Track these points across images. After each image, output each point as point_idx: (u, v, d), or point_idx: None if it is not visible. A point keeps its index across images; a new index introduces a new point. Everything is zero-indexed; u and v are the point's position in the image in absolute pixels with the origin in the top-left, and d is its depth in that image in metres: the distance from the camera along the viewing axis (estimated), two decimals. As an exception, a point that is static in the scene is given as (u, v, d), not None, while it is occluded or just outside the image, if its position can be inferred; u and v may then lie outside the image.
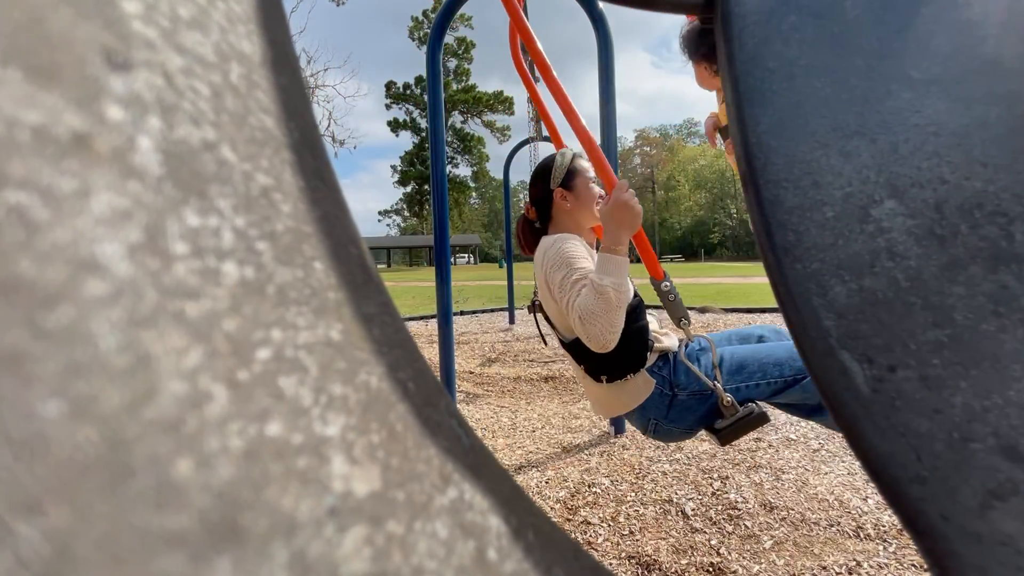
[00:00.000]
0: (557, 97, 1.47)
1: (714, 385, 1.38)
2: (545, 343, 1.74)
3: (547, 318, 1.59)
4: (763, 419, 1.39)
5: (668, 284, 1.43)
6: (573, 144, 1.76)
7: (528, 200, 1.68)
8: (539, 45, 1.52)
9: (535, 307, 1.84)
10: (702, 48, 1.65)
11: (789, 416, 3.05)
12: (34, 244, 0.12)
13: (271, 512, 0.13)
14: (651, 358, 1.45)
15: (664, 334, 1.54)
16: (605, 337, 1.25)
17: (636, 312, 1.45)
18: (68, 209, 0.12)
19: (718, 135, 1.90)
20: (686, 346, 1.48)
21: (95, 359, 0.12)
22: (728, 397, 1.37)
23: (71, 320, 0.12)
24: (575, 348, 1.47)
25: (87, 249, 0.12)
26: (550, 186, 1.59)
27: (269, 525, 0.13)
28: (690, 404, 1.44)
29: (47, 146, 0.12)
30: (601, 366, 1.44)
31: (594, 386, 1.51)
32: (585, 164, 1.62)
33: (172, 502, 0.12)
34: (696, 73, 1.74)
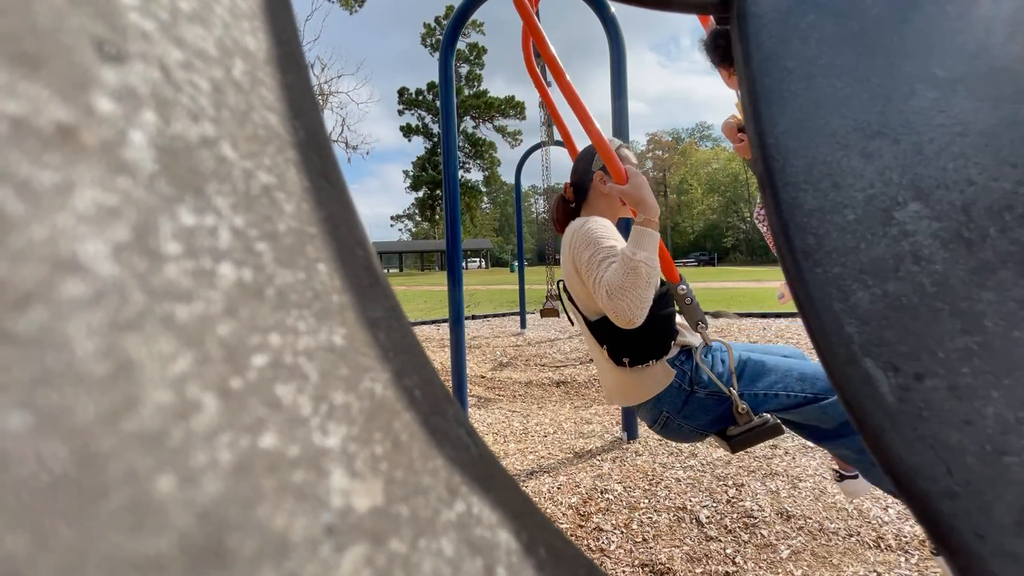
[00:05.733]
0: (571, 101, 1.47)
1: (729, 391, 1.36)
2: (572, 323, 1.74)
3: (571, 299, 1.58)
4: (777, 430, 1.37)
5: (685, 287, 1.43)
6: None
7: (568, 181, 1.68)
8: (552, 49, 1.52)
9: (554, 296, 1.83)
10: (719, 51, 1.65)
11: (805, 423, 3.02)
12: (6, 241, 0.11)
13: (261, 532, 0.12)
14: (674, 349, 1.44)
15: (688, 329, 1.52)
16: (632, 312, 1.23)
17: (664, 299, 1.43)
18: (47, 205, 0.12)
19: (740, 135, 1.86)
20: (703, 348, 1.46)
21: (69, 366, 0.11)
22: (743, 404, 1.36)
23: (44, 324, 0.11)
24: (599, 329, 1.46)
25: (67, 247, 0.12)
26: (591, 167, 1.59)
27: (258, 547, 0.12)
28: (707, 404, 1.42)
29: (26, 138, 0.12)
30: (624, 348, 1.42)
31: (614, 370, 1.49)
32: (629, 154, 1.62)
33: (149, 524, 0.11)
34: (721, 76, 1.74)
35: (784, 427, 1.40)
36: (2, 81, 0.12)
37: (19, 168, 0.11)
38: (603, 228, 1.41)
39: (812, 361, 1.49)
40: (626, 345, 1.41)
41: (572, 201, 1.64)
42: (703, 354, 1.43)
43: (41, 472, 0.10)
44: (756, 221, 1.92)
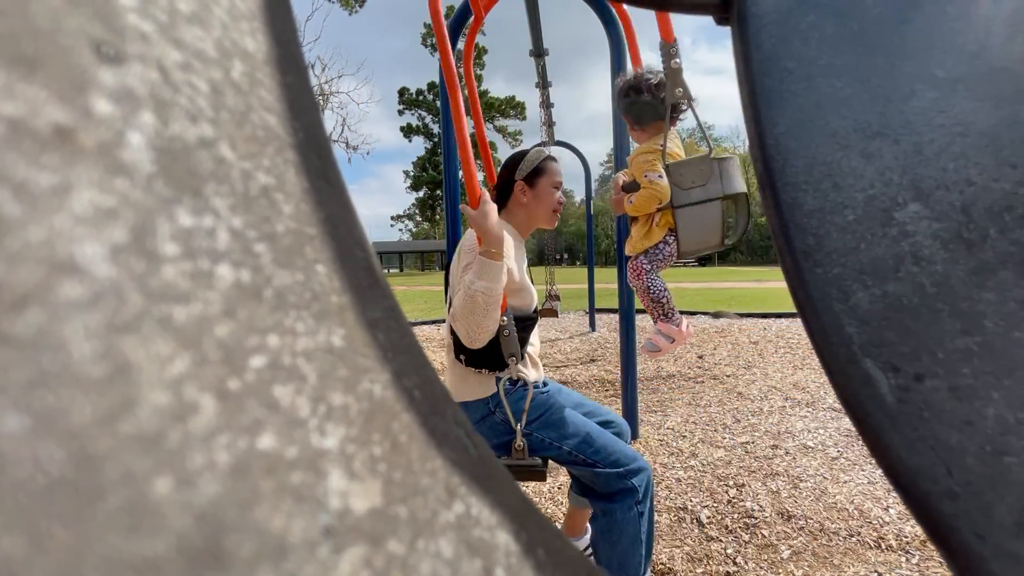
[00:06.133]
0: (455, 115, 1.59)
1: (516, 426, 1.48)
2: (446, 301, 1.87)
3: (448, 281, 1.69)
4: (541, 476, 1.49)
5: (505, 319, 1.51)
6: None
7: (492, 185, 1.77)
8: (454, 67, 1.63)
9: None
10: (623, 100, 1.75)
11: (807, 424, 3.02)
12: (2, 243, 0.11)
13: (259, 533, 0.12)
14: (507, 371, 1.52)
15: (532, 360, 1.62)
16: (472, 336, 1.33)
17: (524, 321, 1.54)
18: (44, 206, 0.12)
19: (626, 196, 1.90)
20: (511, 381, 1.54)
21: (66, 368, 0.11)
22: (522, 442, 1.48)
23: (41, 325, 0.11)
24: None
25: (64, 249, 0.12)
26: (514, 175, 1.67)
27: (256, 548, 0.12)
28: (498, 428, 1.53)
29: (24, 140, 0.12)
30: (465, 347, 1.52)
31: (453, 362, 1.60)
32: (556, 168, 1.70)
33: (146, 525, 0.11)
34: (627, 126, 1.85)
35: (547, 477, 1.52)
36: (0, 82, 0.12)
37: (16, 170, 0.11)
38: None
39: (620, 442, 1.59)
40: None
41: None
42: (507, 387, 1.53)
43: (38, 474, 0.10)
44: (630, 275, 1.91)
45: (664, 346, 1.83)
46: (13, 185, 0.11)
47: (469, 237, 1.50)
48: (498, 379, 1.51)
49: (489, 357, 1.50)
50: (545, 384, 1.61)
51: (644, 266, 1.79)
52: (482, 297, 1.27)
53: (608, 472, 1.46)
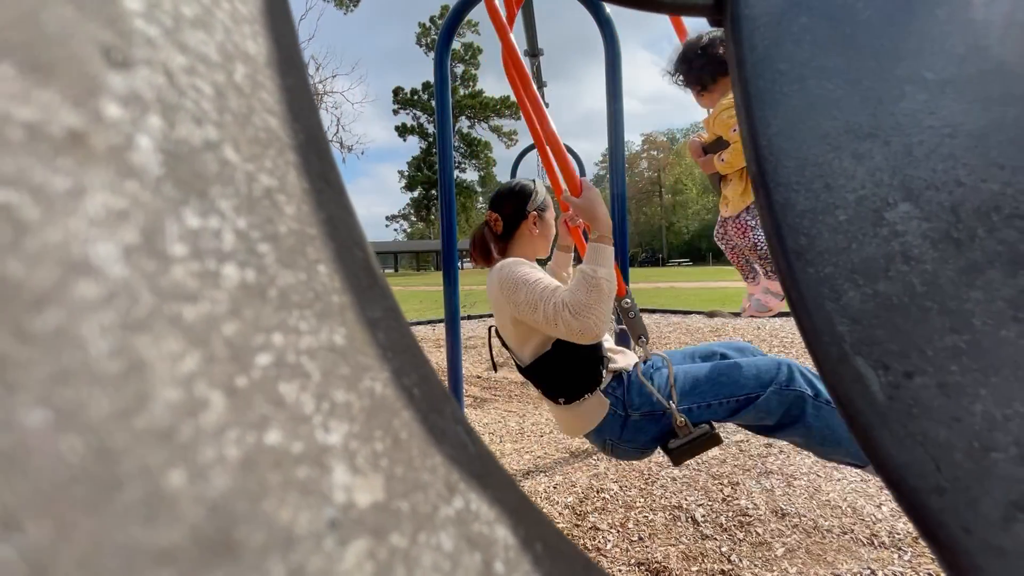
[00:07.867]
0: (540, 118, 1.54)
1: (668, 404, 1.39)
2: (495, 370, 1.79)
3: (504, 344, 1.61)
4: (716, 440, 1.40)
5: (629, 301, 1.45)
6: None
7: (493, 210, 1.68)
8: (524, 63, 1.55)
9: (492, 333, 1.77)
10: (683, 73, 1.72)
11: (799, 422, 3.03)
12: (23, 244, 0.11)
13: (268, 525, 0.13)
14: (606, 378, 1.47)
15: (619, 352, 1.56)
16: (598, 327, 1.26)
17: None
18: (60, 209, 0.12)
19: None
20: (643, 364, 1.49)
21: (84, 365, 0.11)
22: (681, 417, 1.39)
23: (60, 324, 0.11)
24: (532, 372, 1.49)
25: (79, 250, 0.12)
26: (526, 207, 1.62)
27: (265, 539, 0.12)
28: (642, 424, 1.46)
29: (40, 144, 0.12)
30: (558, 387, 1.46)
31: (554, 407, 1.53)
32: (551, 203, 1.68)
33: (162, 516, 0.11)
34: (694, 96, 1.79)
35: (722, 438, 1.42)
36: (16, 89, 0.12)
37: (34, 173, 0.12)
38: (525, 269, 1.42)
39: (747, 358, 1.52)
40: (559, 384, 1.45)
41: (499, 233, 1.65)
42: (643, 371, 1.46)
43: (60, 466, 0.10)
44: (716, 239, 1.93)
45: (774, 304, 1.79)
46: (31, 188, 0.12)
47: (504, 280, 1.40)
48: (605, 389, 1.45)
49: (583, 380, 1.44)
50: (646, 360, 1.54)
51: (749, 222, 1.74)
52: (606, 284, 1.24)
53: (768, 396, 1.37)
